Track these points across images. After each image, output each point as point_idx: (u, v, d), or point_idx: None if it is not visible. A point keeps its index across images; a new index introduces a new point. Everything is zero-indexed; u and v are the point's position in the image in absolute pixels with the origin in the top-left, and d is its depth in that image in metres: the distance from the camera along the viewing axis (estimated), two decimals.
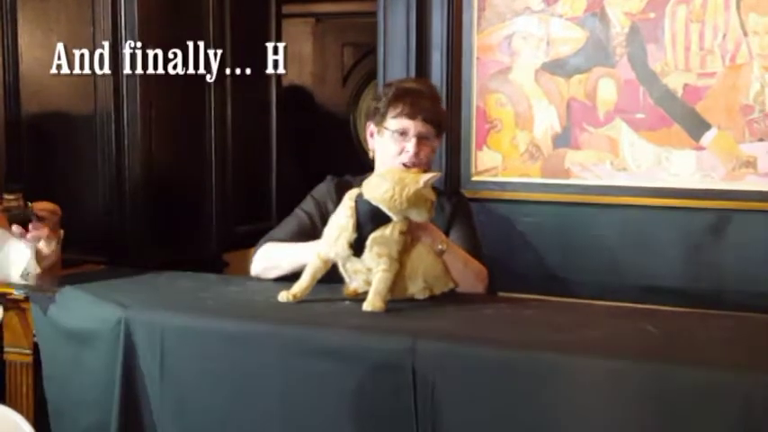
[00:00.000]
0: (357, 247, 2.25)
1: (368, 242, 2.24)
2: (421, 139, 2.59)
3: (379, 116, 2.64)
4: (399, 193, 2.22)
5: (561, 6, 3.38)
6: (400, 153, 2.58)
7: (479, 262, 2.58)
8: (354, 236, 2.25)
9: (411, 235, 2.30)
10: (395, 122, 2.59)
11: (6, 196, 2.89)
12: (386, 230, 2.24)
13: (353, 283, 2.32)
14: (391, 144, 2.60)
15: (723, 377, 1.78)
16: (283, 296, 2.30)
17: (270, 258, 2.60)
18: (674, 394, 1.78)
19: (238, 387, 2.16)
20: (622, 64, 3.32)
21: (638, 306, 2.64)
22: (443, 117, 2.72)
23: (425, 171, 2.38)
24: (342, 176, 2.76)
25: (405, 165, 2.56)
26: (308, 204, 2.72)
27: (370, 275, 2.26)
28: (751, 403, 1.73)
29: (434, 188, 2.66)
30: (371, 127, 2.69)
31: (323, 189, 2.73)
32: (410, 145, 2.58)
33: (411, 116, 2.58)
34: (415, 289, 2.32)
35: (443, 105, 2.83)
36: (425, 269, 2.31)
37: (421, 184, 2.24)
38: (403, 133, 2.59)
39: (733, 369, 1.80)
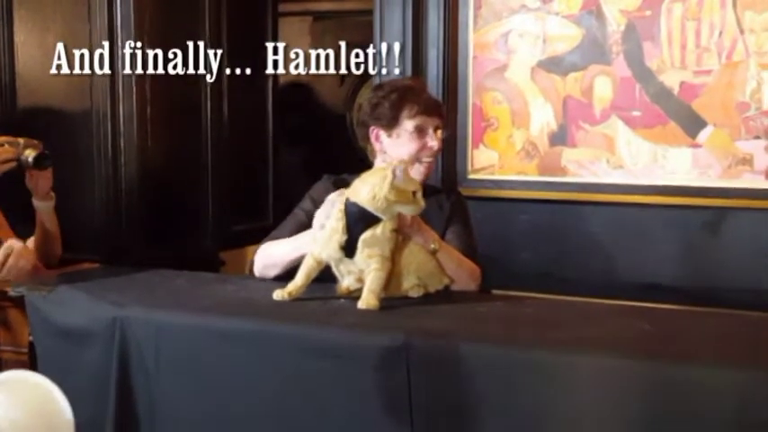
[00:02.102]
0: (348, 249, 2.26)
1: (359, 244, 2.24)
2: (437, 131, 2.63)
3: (387, 119, 2.63)
4: (378, 193, 2.23)
5: (557, 4, 3.38)
6: (421, 150, 2.60)
7: (473, 262, 2.58)
8: (345, 238, 2.25)
9: (402, 233, 2.31)
10: (412, 122, 2.61)
11: None
12: (376, 230, 2.24)
13: (345, 282, 2.33)
14: (410, 143, 2.61)
15: (719, 375, 1.78)
16: (278, 294, 2.31)
17: (268, 257, 2.61)
18: (669, 392, 1.78)
19: (234, 385, 2.16)
20: (618, 61, 3.32)
21: (635, 304, 2.64)
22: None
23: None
24: (339, 175, 2.76)
25: (427, 161, 2.63)
26: (306, 203, 2.72)
27: (361, 274, 2.27)
28: (747, 401, 1.73)
29: (432, 186, 2.70)
30: (376, 130, 2.67)
31: (320, 188, 2.73)
32: (433, 141, 2.62)
33: (428, 113, 2.61)
34: (409, 285, 2.32)
35: None
36: (418, 266, 2.32)
37: (390, 177, 2.24)
38: (421, 130, 2.60)
39: (729, 367, 1.80)
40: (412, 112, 2.61)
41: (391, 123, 2.63)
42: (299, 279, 2.33)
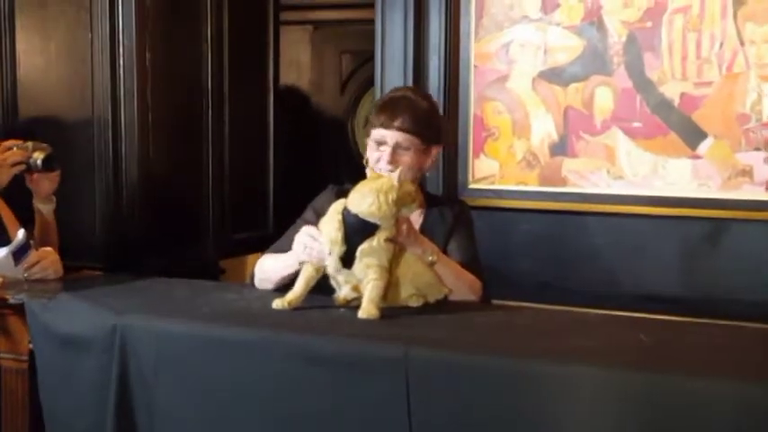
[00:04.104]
0: (347, 259, 2.27)
1: (357, 254, 2.26)
2: (398, 149, 2.60)
3: (368, 124, 2.67)
4: (385, 201, 2.24)
5: (559, 15, 3.39)
6: (376, 162, 2.60)
7: (475, 274, 2.57)
8: (344, 248, 2.27)
9: (398, 244, 2.32)
10: (375, 132, 2.62)
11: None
12: (372, 242, 2.26)
13: (343, 291, 2.34)
14: (372, 152, 2.62)
15: (716, 387, 1.78)
16: (278, 303, 2.32)
17: (263, 271, 2.64)
18: (666, 404, 1.78)
19: (233, 394, 2.16)
20: (619, 72, 3.32)
21: (633, 315, 2.64)
22: (429, 127, 2.65)
23: (411, 180, 2.43)
24: (342, 185, 2.76)
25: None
26: (308, 214, 2.73)
27: (358, 284, 2.30)
28: (743, 414, 1.73)
29: (435, 196, 2.75)
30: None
31: (323, 199, 2.73)
32: (385, 154, 2.59)
33: (387, 126, 2.59)
34: (406, 295, 2.33)
35: (436, 115, 2.75)
36: (414, 276, 2.33)
37: (397, 184, 2.26)
38: (381, 143, 2.60)
39: (726, 379, 1.80)
40: (376, 121, 2.62)
41: (369, 129, 2.65)
42: (299, 288, 2.33)
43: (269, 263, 2.62)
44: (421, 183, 2.82)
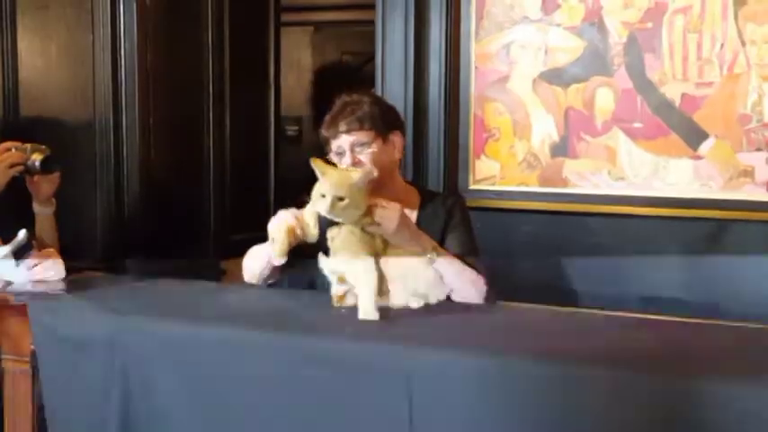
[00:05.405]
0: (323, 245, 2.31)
1: (327, 240, 2.30)
2: (355, 149, 2.59)
3: (325, 146, 2.67)
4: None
5: (559, 16, 3.39)
6: None
7: (476, 269, 2.56)
8: (317, 231, 2.32)
9: (384, 238, 2.33)
10: (332, 146, 2.63)
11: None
12: (342, 230, 2.29)
13: (333, 288, 2.35)
14: (339, 164, 2.61)
15: (719, 388, 1.78)
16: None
17: (245, 264, 2.65)
18: (669, 405, 1.78)
19: (234, 395, 2.16)
20: (620, 73, 3.33)
21: (635, 315, 2.64)
22: (376, 117, 2.63)
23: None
24: None
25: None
26: None
27: (343, 275, 2.31)
28: (747, 415, 1.73)
29: (429, 191, 2.76)
30: None
31: None
32: (346, 160, 2.59)
33: (335, 135, 2.61)
34: (406, 295, 2.32)
35: (381, 106, 2.71)
36: (414, 276, 2.33)
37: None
38: (340, 153, 2.61)
39: (729, 379, 1.80)
40: (328, 135, 2.63)
41: (327, 150, 2.66)
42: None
43: (249, 257, 2.63)
44: (421, 183, 2.82)
